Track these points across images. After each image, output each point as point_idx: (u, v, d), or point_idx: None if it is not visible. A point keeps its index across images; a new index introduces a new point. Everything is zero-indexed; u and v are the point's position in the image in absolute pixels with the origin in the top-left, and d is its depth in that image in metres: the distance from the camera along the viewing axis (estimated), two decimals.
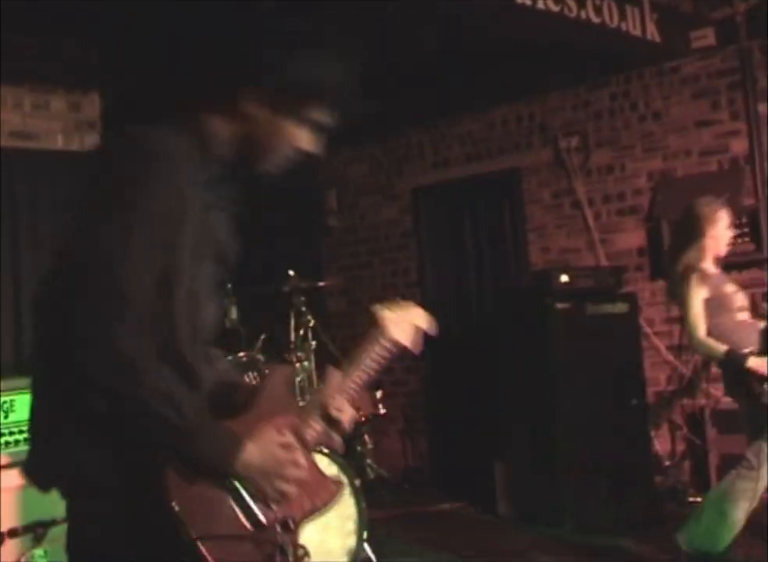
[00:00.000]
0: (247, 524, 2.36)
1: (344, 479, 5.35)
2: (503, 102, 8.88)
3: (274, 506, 2.41)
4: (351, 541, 5.35)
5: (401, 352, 2.80)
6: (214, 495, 2.32)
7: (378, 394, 7.90)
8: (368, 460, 8.05)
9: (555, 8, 6.71)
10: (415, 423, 9.60)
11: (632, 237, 8.20)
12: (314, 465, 2.60)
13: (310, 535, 5.26)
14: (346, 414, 2.62)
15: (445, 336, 9.38)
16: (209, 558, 2.21)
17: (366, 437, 8.05)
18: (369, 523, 5.40)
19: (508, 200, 9.06)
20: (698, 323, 5.49)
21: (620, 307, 7.32)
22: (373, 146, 9.88)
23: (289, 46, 2.42)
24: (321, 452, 5.44)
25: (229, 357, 6.12)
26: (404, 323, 2.82)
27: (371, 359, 2.71)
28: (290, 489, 2.41)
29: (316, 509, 2.58)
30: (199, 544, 2.21)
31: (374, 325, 2.76)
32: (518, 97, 8.77)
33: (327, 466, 5.37)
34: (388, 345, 2.73)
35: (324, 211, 10.16)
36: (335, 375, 2.67)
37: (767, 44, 7.59)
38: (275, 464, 2.38)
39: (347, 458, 5.71)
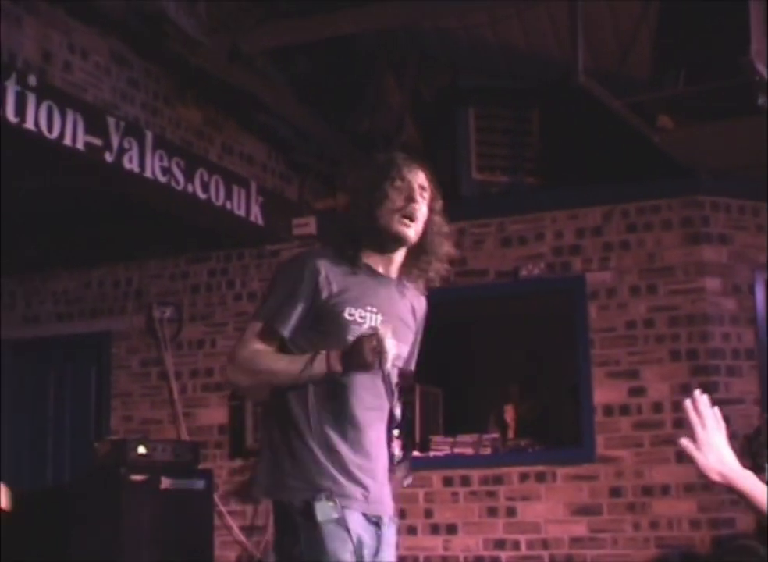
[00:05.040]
0: None
1: None
2: (101, 263, 8.72)
3: None
4: None
5: None
6: None
7: None
8: None
9: (162, 179, 6.75)
10: None
11: (215, 413, 8.18)
12: None
13: None
14: None
15: (17, 494, 8.96)
16: None
17: None
18: None
19: (95, 364, 8.84)
20: None
21: (196, 484, 7.27)
22: None
23: None
24: None
25: None
26: None
27: None
28: None
29: None
30: None
31: None
32: (118, 260, 8.65)
33: None
34: None
35: None
36: None
37: None
38: None
39: None
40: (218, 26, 6.70)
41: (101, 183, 6.84)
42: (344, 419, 3.22)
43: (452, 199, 7.51)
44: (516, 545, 7.32)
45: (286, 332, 3.24)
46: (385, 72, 7.60)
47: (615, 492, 7.16)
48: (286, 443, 3.22)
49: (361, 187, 3.40)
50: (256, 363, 3.24)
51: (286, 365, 3.22)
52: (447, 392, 8.05)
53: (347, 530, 3.13)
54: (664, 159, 7.07)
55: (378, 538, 3.25)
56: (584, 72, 6.06)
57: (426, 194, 3.35)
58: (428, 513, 7.54)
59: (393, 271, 3.34)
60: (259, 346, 3.25)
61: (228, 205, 7.35)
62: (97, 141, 6.23)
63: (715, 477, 2.40)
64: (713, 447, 2.42)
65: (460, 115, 7.82)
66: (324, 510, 3.11)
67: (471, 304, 7.91)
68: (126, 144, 6.43)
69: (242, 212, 7.52)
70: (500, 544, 7.36)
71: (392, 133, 7.67)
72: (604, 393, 7.28)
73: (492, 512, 7.40)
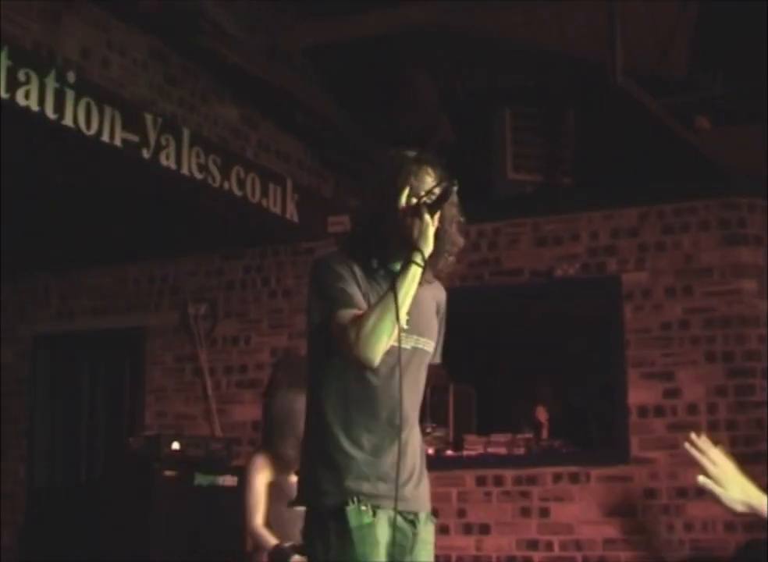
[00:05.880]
0: None
1: None
2: (137, 260, 8.77)
3: None
4: None
5: None
6: None
7: None
8: None
9: (199, 176, 6.77)
10: None
11: (249, 410, 8.20)
12: None
13: None
14: None
15: (50, 490, 9.04)
16: None
17: None
18: None
19: (129, 359, 8.89)
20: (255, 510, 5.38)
21: (229, 480, 7.28)
22: None
23: None
24: None
25: None
26: None
27: None
28: None
29: None
30: None
31: None
32: (153, 257, 8.70)
33: None
34: None
35: None
36: None
37: None
38: None
39: None
40: (256, 24, 6.72)
41: (137, 179, 6.86)
42: (376, 421, 3.21)
43: (487, 198, 7.62)
44: (549, 546, 7.30)
45: (363, 303, 3.17)
46: (419, 71, 7.59)
47: (649, 493, 7.13)
48: (320, 449, 3.22)
49: (367, 196, 3.39)
50: (368, 322, 3.07)
51: (385, 300, 3.10)
52: (481, 391, 8.04)
53: (378, 534, 3.13)
54: (701, 160, 7.02)
55: (414, 536, 3.25)
56: (622, 72, 6.04)
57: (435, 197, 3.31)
58: (461, 513, 7.52)
59: None
60: (354, 316, 3.11)
61: (264, 202, 7.38)
62: (135, 138, 6.26)
63: (740, 508, 2.41)
64: (732, 480, 2.42)
65: (496, 114, 7.80)
66: (356, 515, 3.11)
67: (506, 303, 7.89)
68: (163, 141, 6.46)
69: (277, 209, 7.54)
70: (533, 545, 7.34)
71: (427, 132, 7.66)
72: (639, 394, 7.25)
73: (525, 512, 7.38)
